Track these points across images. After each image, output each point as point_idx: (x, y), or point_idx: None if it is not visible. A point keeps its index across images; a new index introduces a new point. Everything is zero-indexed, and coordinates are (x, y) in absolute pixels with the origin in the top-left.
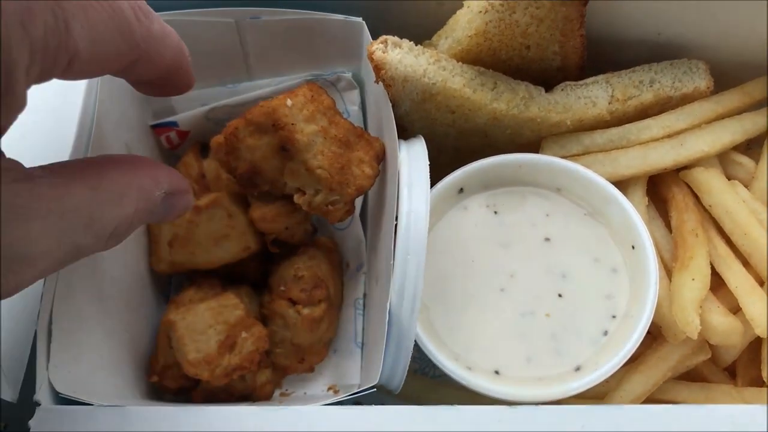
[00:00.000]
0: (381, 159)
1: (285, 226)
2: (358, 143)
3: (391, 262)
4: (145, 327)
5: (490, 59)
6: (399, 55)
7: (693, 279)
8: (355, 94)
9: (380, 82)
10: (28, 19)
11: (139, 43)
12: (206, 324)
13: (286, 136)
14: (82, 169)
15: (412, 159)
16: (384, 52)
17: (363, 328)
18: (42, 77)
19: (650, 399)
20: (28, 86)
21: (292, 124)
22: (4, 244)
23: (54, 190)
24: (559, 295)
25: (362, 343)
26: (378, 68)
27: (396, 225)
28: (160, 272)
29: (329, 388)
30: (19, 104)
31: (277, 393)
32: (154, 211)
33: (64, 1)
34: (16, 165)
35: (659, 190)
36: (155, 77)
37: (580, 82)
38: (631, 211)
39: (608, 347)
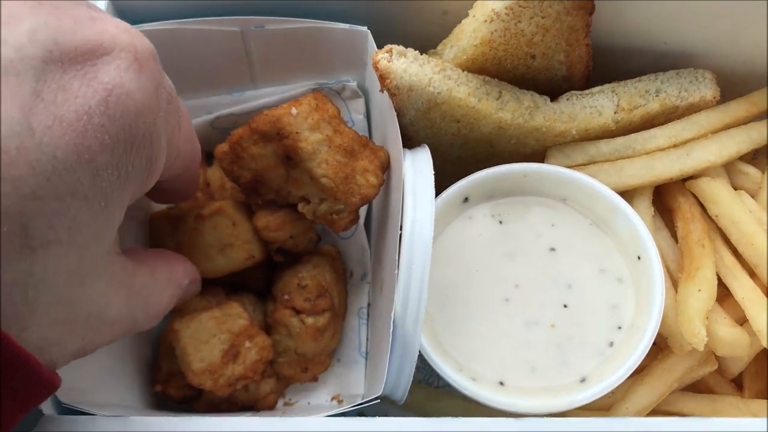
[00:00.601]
0: (385, 168)
1: (289, 235)
2: (363, 152)
3: (396, 272)
4: (148, 336)
5: (496, 68)
6: (404, 64)
7: (699, 290)
8: (359, 103)
9: (385, 91)
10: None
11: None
12: (210, 333)
13: (290, 145)
14: (139, 254)
15: (416, 168)
16: (389, 61)
17: (367, 338)
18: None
19: (656, 411)
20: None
21: (297, 132)
22: (99, 304)
23: (128, 269)
24: (565, 306)
25: (366, 353)
26: (383, 77)
27: (400, 234)
28: None
29: (333, 398)
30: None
31: (280, 402)
32: (180, 297)
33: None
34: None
35: (665, 200)
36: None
37: (586, 92)
38: (637, 222)
39: (614, 358)
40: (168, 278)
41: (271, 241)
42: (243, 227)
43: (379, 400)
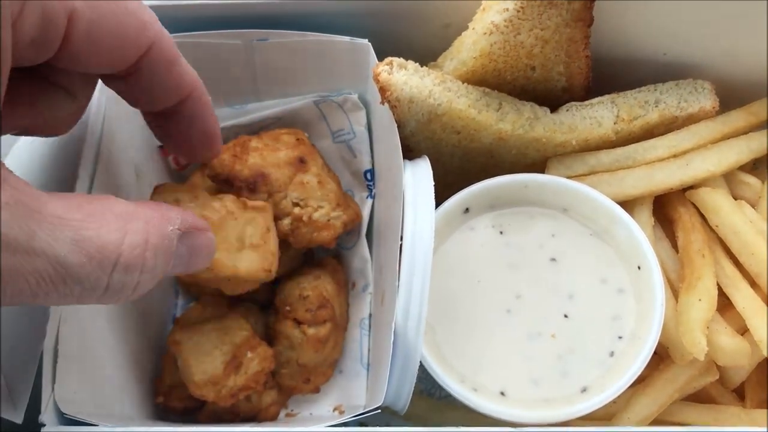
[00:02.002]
0: (354, 222)
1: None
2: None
3: (396, 283)
4: (150, 347)
5: (496, 80)
6: (404, 76)
7: (700, 300)
8: (361, 115)
9: (386, 103)
10: None
11: (150, 34)
12: (212, 345)
13: (309, 151)
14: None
15: (416, 179)
16: (389, 74)
17: (369, 349)
18: (37, 43)
19: (658, 421)
20: (20, 42)
21: (312, 144)
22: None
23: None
24: (566, 316)
25: (368, 364)
26: (383, 89)
27: (401, 245)
28: None
29: (335, 409)
30: (4, 58)
31: (282, 413)
32: (174, 252)
33: None
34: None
35: (666, 210)
36: (171, 105)
37: (586, 103)
38: (637, 232)
39: (615, 368)
40: (123, 217)
41: None
42: (273, 237)
43: (379, 411)
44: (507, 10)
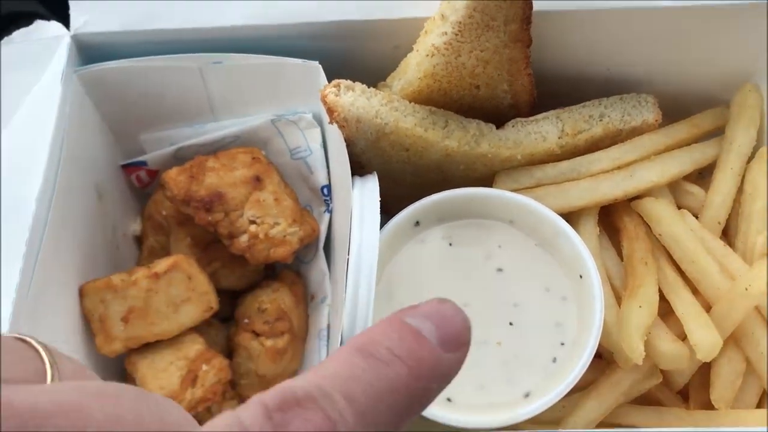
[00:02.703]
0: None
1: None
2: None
3: (344, 294)
4: (114, 365)
5: (442, 99)
6: (351, 97)
7: (640, 306)
8: (316, 133)
9: (334, 123)
10: None
11: None
12: (167, 361)
13: (265, 169)
14: None
15: (364, 195)
16: (336, 95)
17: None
18: None
19: (604, 423)
20: None
21: (269, 162)
22: None
23: None
24: (511, 324)
25: None
26: (331, 110)
27: (348, 259)
28: (111, 354)
29: None
30: None
31: None
32: None
33: None
34: None
35: (612, 219)
36: None
37: (531, 119)
38: (578, 242)
39: (557, 374)
40: None
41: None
42: (198, 279)
43: None
44: (446, 33)
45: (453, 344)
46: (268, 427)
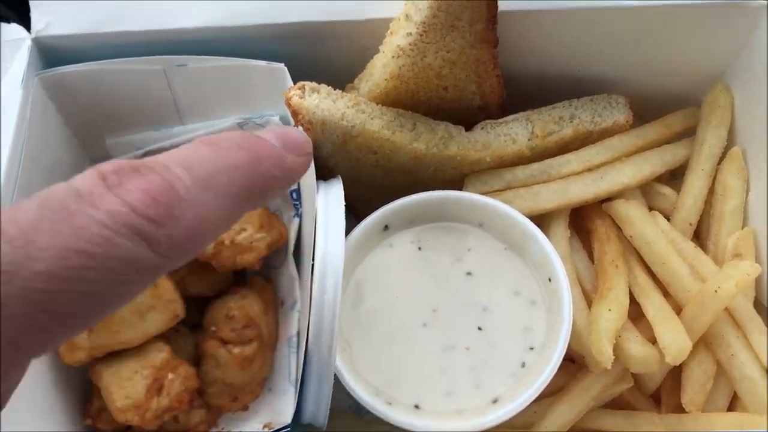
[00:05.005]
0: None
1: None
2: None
3: (304, 309)
4: (82, 369)
5: (410, 101)
6: (316, 100)
7: (609, 310)
8: None
9: (299, 126)
10: None
11: None
12: (132, 370)
13: None
14: None
15: (328, 201)
16: (301, 98)
17: (297, 366)
18: None
19: (576, 428)
20: None
21: None
22: None
23: None
24: (480, 329)
25: (296, 381)
26: (295, 113)
27: (313, 265)
28: (75, 363)
29: (265, 426)
30: None
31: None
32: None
33: None
34: None
35: (584, 222)
36: None
37: (500, 120)
38: (547, 245)
39: (525, 379)
40: None
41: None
42: (164, 287)
43: (288, 428)
44: (410, 34)
45: (296, 150)
46: (101, 187)
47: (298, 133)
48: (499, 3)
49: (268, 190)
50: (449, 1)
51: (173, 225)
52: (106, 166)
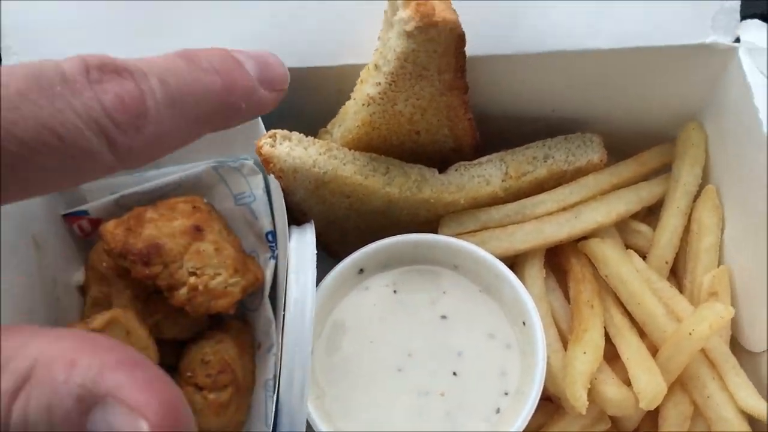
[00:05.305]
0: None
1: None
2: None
3: (279, 352)
4: None
5: (383, 145)
6: (287, 147)
7: (584, 352)
8: (259, 179)
9: (270, 174)
10: None
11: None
12: None
13: (206, 218)
14: None
15: (300, 246)
16: (272, 146)
17: (272, 410)
18: None
19: None
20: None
21: (210, 211)
22: None
23: None
24: (455, 374)
25: (272, 426)
26: (266, 162)
27: (284, 314)
28: None
29: None
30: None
31: None
32: None
33: None
34: None
35: (560, 261)
36: None
37: (475, 162)
38: (521, 289)
39: (500, 425)
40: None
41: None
42: (137, 334)
43: None
44: (379, 84)
45: (270, 84)
46: (83, 79)
47: (277, 65)
48: (470, 46)
49: (231, 120)
50: (415, 53)
51: (134, 134)
52: (92, 59)
